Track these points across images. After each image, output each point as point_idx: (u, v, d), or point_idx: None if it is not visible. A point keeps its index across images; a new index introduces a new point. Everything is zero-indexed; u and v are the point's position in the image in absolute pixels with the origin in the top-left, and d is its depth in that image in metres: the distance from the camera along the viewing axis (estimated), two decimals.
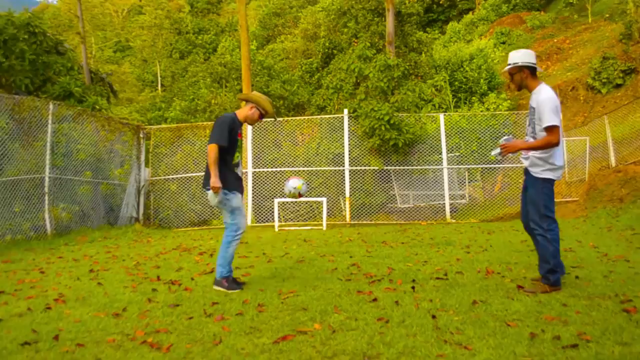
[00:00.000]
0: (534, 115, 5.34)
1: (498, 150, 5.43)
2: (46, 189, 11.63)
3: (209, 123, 17.25)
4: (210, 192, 5.90)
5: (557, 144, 5.22)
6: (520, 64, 5.43)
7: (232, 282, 5.93)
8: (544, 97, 5.28)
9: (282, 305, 5.14)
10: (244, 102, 6.55)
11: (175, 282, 6.41)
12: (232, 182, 5.99)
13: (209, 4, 49.02)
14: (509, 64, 5.53)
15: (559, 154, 5.40)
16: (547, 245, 5.34)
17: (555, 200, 15.95)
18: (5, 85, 16.87)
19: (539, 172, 5.40)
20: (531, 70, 5.44)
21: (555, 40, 29.72)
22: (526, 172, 5.61)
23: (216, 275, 5.97)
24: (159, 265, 7.85)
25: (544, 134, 5.24)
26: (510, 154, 5.48)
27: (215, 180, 5.75)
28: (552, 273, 5.30)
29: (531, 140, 5.40)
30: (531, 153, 5.44)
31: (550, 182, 5.42)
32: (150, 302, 5.37)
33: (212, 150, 5.82)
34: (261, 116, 6.20)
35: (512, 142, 5.42)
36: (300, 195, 7.20)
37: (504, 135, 6.02)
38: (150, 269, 7.51)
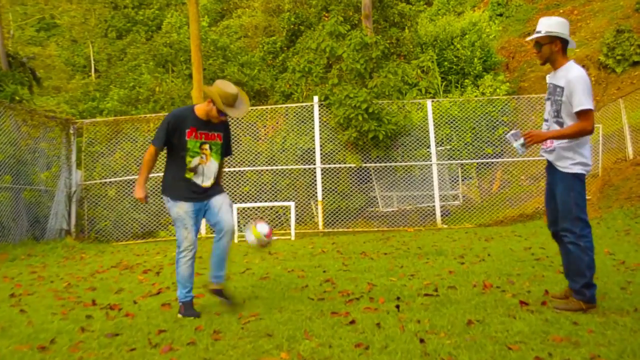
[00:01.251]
0: (561, 97, 5.27)
1: (522, 140, 5.29)
2: None
3: (153, 115, 17.15)
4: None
5: (591, 131, 5.17)
6: (554, 33, 5.34)
7: (189, 309, 5.93)
8: (576, 74, 5.21)
9: (242, 331, 5.12)
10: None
11: (115, 306, 6.35)
12: (177, 189, 5.97)
13: None
14: (539, 32, 5.41)
15: (588, 144, 5.37)
16: (581, 254, 5.21)
17: None
18: None
19: (568, 167, 5.31)
20: (563, 43, 5.40)
21: (561, 11, 30.02)
22: (550, 168, 5.52)
23: None
24: (95, 286, 7.78)
25: (571, 119, 5.22)
26: (534, 145, 5.43)
27: (136, 190, 5.95)
28: (588, 287, 5.21)
29: (556, 127, 5.35)
30: (557, 143, 5.36)
31: (582, 177, 5.33)
32: (83, 332, 5.32)
33: (147, 152, 6.00)
34: (221, 112, 5.88)
35: (537, 131, 5.34)
36: (266, 241, 6.27)
37: (511, 130, 5.91)
38: (84, 291, 7.45)
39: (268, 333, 4.97)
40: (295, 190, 15.58)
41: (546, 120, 5.55)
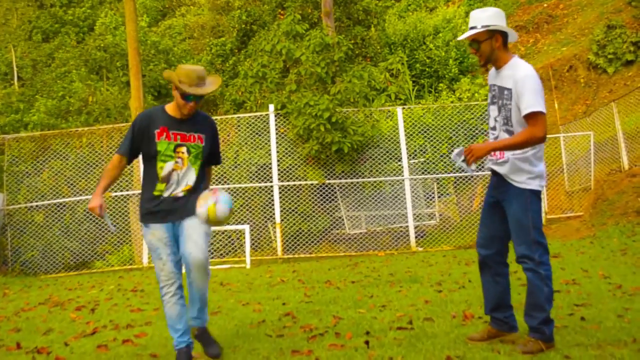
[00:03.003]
0: (509, 100, 5.05)
1: (462, 157, 5.06)
2: None
3: (86, 129, 17.05)
4: None
5: (543, 138, 4.91)
6: (492, 27, 5.08)
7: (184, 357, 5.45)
8: (524, 73, 4.98)
9: None
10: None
11: (43, 349, 6.26)
12: (147, 210, 5.58)
13: None
14: (474, 27, 5.16)
15: (541, 153, 5.17)
16: (541, 284, 5.03)
17: (554, 216, 16.36)
18: None
19: (524, 182, 5.08)
20: (504, 37, 5.18)
21: (545, 6, 30.47)
22: (498, 182, 5.29)
23: None
24: (20, 327, 7.68)
25: (522, 126, 5.01)
26: (476, 161, 5.03)
27: (91, 200, 5.42)
28: (547, 323, 5.04)
29: (505, 135, 5.14)
30: (510, 154, 5.10)
31: (539, 194, 5.14)
32: None
33: (111, 161, 5.64)
34: (186, 97, 5.40)
35: (478, 145, 5.01)
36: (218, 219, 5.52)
37: (455, 149, 5.48)
38: (7, 332, 7.35)
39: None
40: (250, 212, 15.55)
41: (493, 129, 5.35)
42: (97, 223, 15.15)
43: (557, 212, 16.12)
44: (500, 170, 5.19)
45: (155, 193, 5.51)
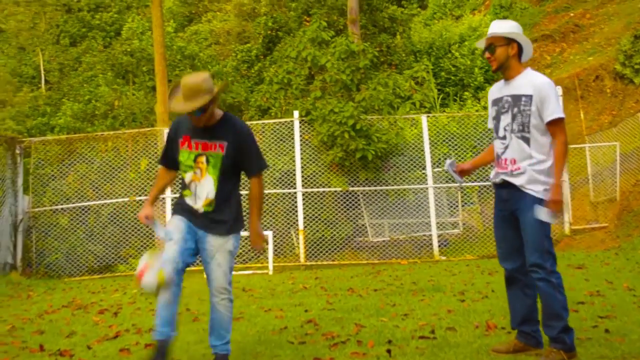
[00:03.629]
0: (528, 106, 5.06)
1: (454, 167, 5.46)
2: None
3: (112, 133, 17.13)
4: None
5: (567, 142, 5.07)
6: (511, 35, 5.18)
7: None
8: (544, 80, 5.11)
9: None
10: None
11: (65, 352, 6.28)
12: (175, 209, 5.54)
13: None
14: (492, 33, 5.24)
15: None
16: (555, 293, 4.99)
17: (578, 227, 16.28)
18: None
19: (541, 192, 5.04)
20: (520, 50, 5.24)
21: (571, 15, 30.33)
22: (511, 194, 5.22)
23: None
24: (43, 329, 7.71)
25: (540, 132, 5.06)
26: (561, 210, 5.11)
27: (141, 210, 5.40)
28: (567, 332, 4.98)
29: (518, 142, 5.13)
30: (526, 165, 5.08)
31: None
32: None
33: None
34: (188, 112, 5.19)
35: (554, 199, 4.95)
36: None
37: (448, 159, 5.70)
38: (31, 335, 7.38)
39: None
40: (273, 218, 15.55)
41: (502, 138, 5.28)
42: (121, 227, 15.21)
43: (581, 222, 16.02)
44: (517, 181, 5.14)
45: (184, 193, 5.40)
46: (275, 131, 16.09)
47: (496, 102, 5.35)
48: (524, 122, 5.08)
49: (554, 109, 4.97)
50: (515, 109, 5.14)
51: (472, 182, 16.41)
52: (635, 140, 16.98)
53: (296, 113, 15.76)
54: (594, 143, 19.26)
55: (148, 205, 5.42)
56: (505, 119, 5.22)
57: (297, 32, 24.14)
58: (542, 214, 4.94)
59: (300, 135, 15.49)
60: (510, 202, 5.24)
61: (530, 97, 5.05)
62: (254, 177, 5.50)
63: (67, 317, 8.61)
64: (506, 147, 5.22)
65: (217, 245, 5.28)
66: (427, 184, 15.43)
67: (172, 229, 5.28)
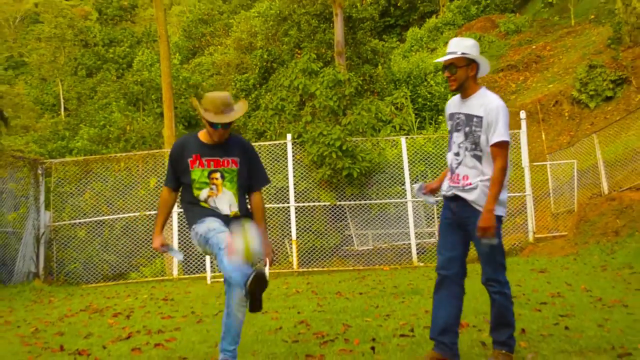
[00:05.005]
0: (479, 127, 4.76)
1: (423, 191, 5.19)
2: None
3: (124, 155, 17.12)
4: None
5: (507, 164, 4.72)
6: (471, 56, 4.81)
7: None
8: (498, 103, 4.74)
9: None
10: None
11: (83, 352, 6.26)
12: (198, 212, 5.08)
13: (121, 10, 48.78)
14: (453, 52, 4.84)
15: (506, 181, 4.86)
16: (507, 303, 4.82)
17: (541, 235, 16.22)
18: None
19: (494, 209, 4.71)
20: (477, 69, 4.90)
21: (533, 47, 30.47)
22: (461, 207, 4.90)
23: None
24: (63, 331, 7.68)
25: (486, 152, 4.77)
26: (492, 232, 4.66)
27: (153, 241, 5.21)
28: (512, 337, 4.87)
29: (471, 160, 4.84)
30: (478, 181, 4.78)
31: (501, 220, 4.81)
32: None
33: (161, 195, 5.34)
34: (213, 125, 4.93)
35: (485, 221, 4.62)
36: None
37: (416, 184, 5.39)
38: (52, 336, 7.35)
39: None
40: (269, 229, 15.49)
41: (457, 154, 4.95)
42: (132, 238, 15.18)
43: (544, 231, 16.03)
44: (468, 197, 4.82)
45: (203, 204, 5.03)
46: (270, 152, 16.09)
47: (451, 117, 5.07)
48: (475, 141, 4.80)
49: (500, 132, 4.67)
50: (468, 128, 4.87)
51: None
52: (591, 159, 17.04)
53: (289, 136, 15.77)
54: (554, 161, 19.32)
55: (159, 235, 5.20)
56: (459, 136, 4.94)
57: (289, 64, 24.20)
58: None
59: (293, 156, 15.47)
60: (458, 214, 4.92)
61: (481, 118, 4.76)
62: (257, 191, 5.32)
63: (85, 320, 8.58)
64: (459, 163, 4.93)
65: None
66: (406, 199, 15.44)
67: (214, 227, 4.82)
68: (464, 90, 4.88)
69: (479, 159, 4.80)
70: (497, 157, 4.69)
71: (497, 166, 4.67)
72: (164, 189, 5.28)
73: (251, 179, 5.24)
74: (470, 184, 4.81)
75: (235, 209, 5.05)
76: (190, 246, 14.82)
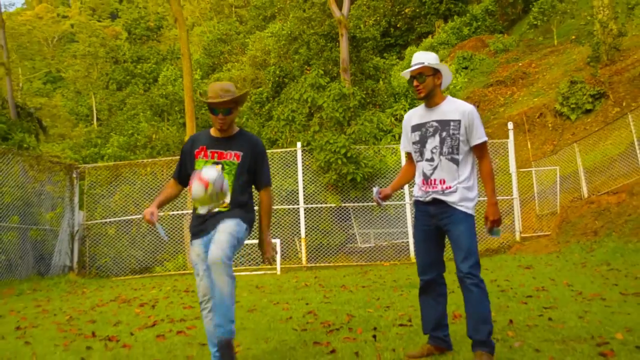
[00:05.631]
0: (457, 130, 4.60)
1: (377, 194, 4.98)
2: None
3: (150, 160, 17.13)
4: None
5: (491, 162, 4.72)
6: (436, 66, 4.71)
7: None
8: (471, 108, 4.66)
9: None
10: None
11: (113, 338, 6.25)
12: (192, 226, 4.87)
13: (148, 30, 48.94)
14: (420, 63, 4.69)
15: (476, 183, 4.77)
16: (484, 298, 4.53)
17: (527, 235, 16.16)
18: None
19: (470, 208, 4.62)
20: (442, 79, 4.80)
21: (520, 64, 30.38)
22: (439, 210, 4.68)
23: None
24: (95, 319, 7.69)
25: (464, 155, 4.64)
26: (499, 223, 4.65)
27: (147, 209, 4.77)
28: (490, 335, 4.53)
29: (448, 164, 4.63)
30: (457, 184, 4.60)
31: (473, 219, 4.68)
32: None
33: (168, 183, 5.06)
34: (213, 111, 4.70)
35: (492, 212, 4.60)
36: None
37: (374, 188, 5.21)
38: (85, 323, 7.35)
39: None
40: (281, 229, 15.53)
41: (430, 160, 4.70)
42: (157, 236, 15.18)
43: (529, 231, 15.99)
44: (449, 199, 4.60)
45: (197, 212, 4.75)
46: (282, 158, 16.08)
47: (418, 127, 4.79)
48: (453, 145, 4.60)
49: (481, 134, 4.59)
50: (444, 133, 4.64)
51: None
52: (572, 165, 17.00)
53: (299, 144, 15.77)
54: (538, 167, 19.28)
55: (154, 206, 4.81)
56: (432, 142, 4.68)
57: (299, 79, 24.21)
58: (495, 233, 4.65)
59: (302, 162, 15.48)
60: (438, 217, 4.68)
61: (458, 122, 4.59)
62: (264, 188, 4.95)
63: (114, 310, 8.58)
64: (435, 168, 4.68)
65: (220, 229, 4.53)
66: (405, 201, 15.41)
67: (196, 261, 4.67)
68: (431, 98, 4.72)
69: (456, 162, 4.62)
70: (482, 156, 4.66)
71: (485, 163, 4.65)
72: (171, 180, 5.06)
73: (255, 176, 4.90)
74: (450, 187, 4.61)
75: (227, 201, 4.66)
76: None
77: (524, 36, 34.71)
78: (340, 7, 22.87)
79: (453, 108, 4.66)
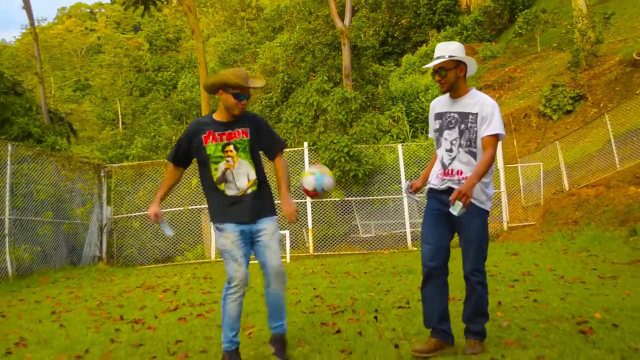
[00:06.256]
0: (474, 123, 4.22)
1: (459, 207, 3.93)
2: (6, 231, 11.38)
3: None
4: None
5: (495, 156, 4.21)
6: (458, 57, 4.27)
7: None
8: (492, 102, 4.23)
9: (246, 340, 5.08)
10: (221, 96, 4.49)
11: (139, 320, 6.28)
12: (217, 210, 4.48)
13: (168, 41, 49.08)
14: (442, 57, 4.27)
15: (491, 178, 4.37)
16: (485, 294, 4.32)
17: (513, 224, 16.13)
18: None
19: (484, 203, 4.23)
20: (466, 70, 4.35)
21: (506, 70, 30.30)
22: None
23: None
24: (122, 304, 7.72)
25: (480, 148, 4.22)
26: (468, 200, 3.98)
27: (150, 208, 4.65)
28: (485, 325, 4.36)
29: (466, 156, 4.26)
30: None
31: (487, 214, 4.34)
32: (113, 343, 5.26)
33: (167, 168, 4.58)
34: (238, 96, 4.35)
35: (464, 188, 3.94)
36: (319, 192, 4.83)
37: (404, 184, 4.83)
38: (114, 308, 7.39)
39: (267, 342, 4.93)
40: (290, 221, 15.53)
41: (449, 151, 4.33)
42: (177, 228, 15.22)
43: (515, 221, 15.99)
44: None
45: (220, 188, 4.42)
46: (290, 157, 16.07)
47: (440, 115, 4.44)
48: (471, 138, 4.23)
49: (495, 126, 4.13)
50: (463, 126, 4.26)
51: None
52: (554, 161, 16.99)
53: (305, 144, 15.78)
54: (524, 163, 19.27)
55: (156, 205, 4.62)
56: (452, 134, 4.31)
57: (305, 85, 24.21)
58: (454, 208, 3.95)
59: (309, 160, 15.49)
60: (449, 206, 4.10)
61: (476, 115, 4.20)
62: (278, 155, 4.61)
63: (140, 295, 8.61)
64: (453, 159, 4.30)
65: (270, 232, 4.45)
66: (402, 195, 15.42)
67: (232, 248, 4.31)
68: (455, 90, 4.33)
69: (473, 155, 4.23)
70: (487, 146, 4.15)
71: (488, 152, 4.12)
72: (168, 165, 4.68)
73: (266, 145, 4.60)
74: (466, 178, 4.16)
75: (253, 177, 4.43)
76: None
77: (510, 44, 34.61)
78: (342, 19, 22.85)
79: (474, 101, 4.27)
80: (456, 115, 4.30)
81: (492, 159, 4.11)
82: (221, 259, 14.45)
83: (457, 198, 3.91)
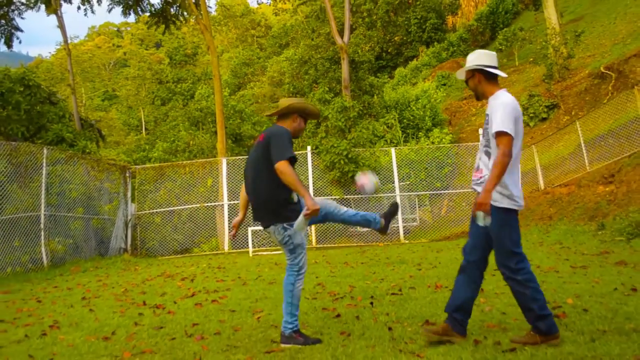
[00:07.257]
0: (487, 124, 4.01)
1: (481, 217, 3.74)
2: (42, 225, 11.40)
3: (188, 162, 17.17)
4: (295, 225, 4.31)
5: (509, 155, 3.77)
6: (471, 67, 4.11)
7: (304, 335, 4.36)
8: (500, 101, 3.93)
9: (256, 323, 5.09)
10: (274, 118, 4.65)
11: (160, 306, 6.29)
12: (293, 210, 4.40)
13: (186, 56, 49.08)
14: (462, 72, 4.23)
15: (516, 178, 3.99)
16: (521, 289, 3.91)
17: None
18: (3, 133, 16.61)
19: (497, 200, 3.86)
20: (485, 74, 4.08)
21: None
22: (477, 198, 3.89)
23: (283, 331, 4.33)
24: (145, 291, 7.72)
25: (494, 148, 3.92)
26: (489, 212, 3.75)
27: (311, 203, 4.17)
28: (541, 320, 3.86)
29: (483, 156, 4.04)
30: (486, 174, 3.93)
31: (511, 212, 3.94)
32: (136, 326, 5.27)
33: (285, 167, 4.16)
34: (306, 122, 4.58)
35: (478, 198, 3.74)
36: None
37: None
38: (137, 294, 7.39)
39: (275, 325, 4.94)
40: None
41: (479, 151, 4.16)
42: (195, 223, 15.26)
43: None
44: (479, 189, 3.97)
45: (293, 199, 4.43)
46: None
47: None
48: (488, 138, 4.00)
49: (498, 123, 3.79)
50: (485, 127, 4.06)
51: (425, 191, 16.44)
52: (531, 163, 16.94)
53: (309, 147, 15.78)
54: None
55: (313, 197, 4.31)
56: (482, 136, 4.15)
57: (309, 95, 24.22)
58: (478, 219, 3.79)
59: (312, 162, 15.49)
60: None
61: (488, 116, 3.99)
62: (275, 163, 4.20)
63: (161, 283, 8.61)
64: (479, 159, 4.10)
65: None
66: (395, 193, 15.42)
67: (304, 240, 4.43)
68: (481, 95, 4.12)
69: (488, 155, 3.99)
70: (498, 145, 3.82)
71: (500, 151, 3.78)
72: (286, 163, 4.20)
73: (270, 153, 4.32)
74: (482, 177, 4.00)
75: None
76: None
77: None
78: (342, 36, 22.81)
79: (492, 103, 4.02)
80: (486, 118, 4.09)
81: (503, 158, 3.75)
82: (234, 251, 14.44)
83: (476, 210, 3.76)
